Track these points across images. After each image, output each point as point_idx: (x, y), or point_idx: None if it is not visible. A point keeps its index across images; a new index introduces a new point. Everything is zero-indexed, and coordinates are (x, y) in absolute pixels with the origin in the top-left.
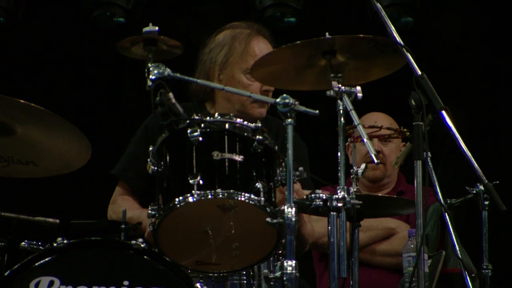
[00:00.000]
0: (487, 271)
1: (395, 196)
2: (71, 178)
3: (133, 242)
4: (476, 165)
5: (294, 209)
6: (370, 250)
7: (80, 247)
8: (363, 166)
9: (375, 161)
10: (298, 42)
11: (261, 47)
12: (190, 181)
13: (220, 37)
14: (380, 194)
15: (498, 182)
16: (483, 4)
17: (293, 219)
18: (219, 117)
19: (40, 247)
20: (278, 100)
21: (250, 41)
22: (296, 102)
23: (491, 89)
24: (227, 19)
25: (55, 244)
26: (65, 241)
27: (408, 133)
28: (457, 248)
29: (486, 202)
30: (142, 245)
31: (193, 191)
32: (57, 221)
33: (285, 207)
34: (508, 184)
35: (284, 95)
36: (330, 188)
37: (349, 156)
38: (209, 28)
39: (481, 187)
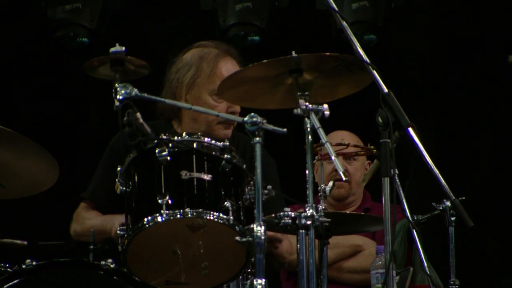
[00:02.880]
0: (454, 286)
1: (362, 213)
2: (39, 199)
3: (103, 262)
4: (443, 181)
5: (263, 227)
6: (337, 267)
7: (49, 268)
8: (330, 183)
9: (343, 178)
10: (265, 61)
11: (228, 68)
12: (159, 200)
13: (188, 56)
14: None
15: (464, 198)
16: (444, 22)
17: (262, 237)
18: (187, 136)
19: (8, 269)
20: (246, 119)
21: (217, 62)
22: (264, 121)
23: (454, 105)
24: (191, 38)
25: (24, 266)
26: (34, 263)
27: (375, 150)
28: (425, 264)
29: (453, 218)
30: (111, 266)
31: (162, 211)
32: (25, 242)
33: (254, 225)
34: (473, 200)
35: (252, 113)
36: (297, 206)
37: (315, 174)
38: (173, 47)
39: (448, 203)
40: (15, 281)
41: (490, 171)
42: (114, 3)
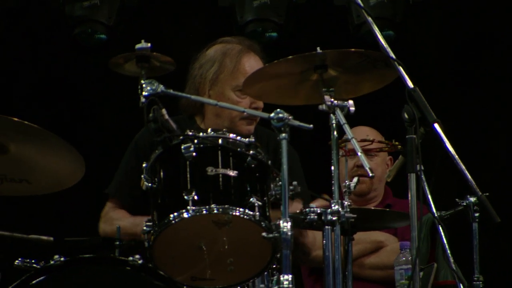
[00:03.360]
0: (478, 282)
1: (387, 209)
2: (65, 195)
3: (130, 258)
4: (469, 177)
5: (289, 223)
6: (358, 264)
7: (77, 264)
8: (355, 179)
9: (370, 174)
10: (290, 57)
11: (251, 64)
12: (185, 197)
13: (211, 52)
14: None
15: (487, 194)
16: (462, 17)
17: (289, 233)
18: (212, 132)
19: (34, 265)
20: (272, 115)
21: (240, 58)
22: (290, 117)
23: (471, 102)
24: (208, 35)
25: (51, 262)
26: (61, 259)
27: (399, 146)
28: (451, 260)
29: (476, 214)
30: (139, 262)
31: (188, 207)
32: (51, 239)
33: (281, 221)
34: (497, 196)
35: (278, 109)
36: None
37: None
38: (190, 43)
39: (471, 199)
40: (43, 277)
41: (508, 168)
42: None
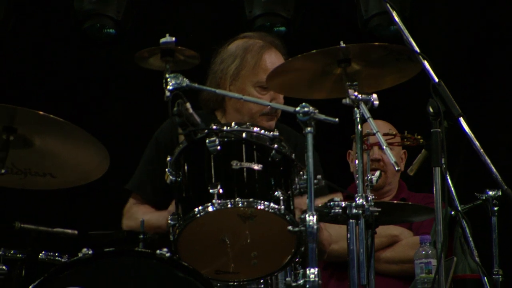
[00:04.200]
0: (497, 276)
1: (409, 203)
2: (88, 189)
3: (158, 251)
4: (494, 170)
5: (315, 216)
6: (374, 258)
7: (104, 257)
8: (377, 173)
9: (396, 168)
10: (314, 51)
11: (272, 60)
12: (210, 190)
13: (233, 47)
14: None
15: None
16: (468, 13)
17: (315, 226)
18: (236, 126)
19: (58, 259)
20: (297, 108)
21: (262, 54)
22: (316, 111)
23: (476, 98)
24: (217, 30)
25: (79, 255)
26: (89, 252)
27: (421, 140)
28: (475, 253)
29: (495, 208)
30: (166, 255)
31: (213, 201)
32: (76, 232)
33: (307, 215)
34: None
35: (304, 103)
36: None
37: (350, 164)
38: (199, 38)
39: (491, 193)
40: (73, 269)
41: None
42: None
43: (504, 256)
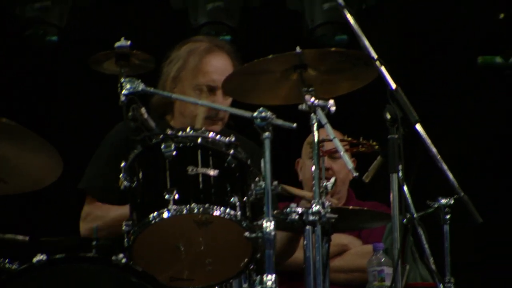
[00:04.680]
0: (449, 284)
1: (365, 208)
2: (40, 194)
3: (113, 257)
4: (451, 176)
5: (272, 222)
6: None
7: (60, 263)
8: (332, 179)
9: (354, 174)
10: (270, 56)
11: (214, 63)
12: (166, 196)
13: (180, 50)
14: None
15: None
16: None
17: (272, 233)
18: (191, 131)
19: (8, 265)
20: (255, 114)
21: (203, 57)
22: (273, 116)
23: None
24: (161, 38)
25: (34, 261)
26: (44, 258)
27: (376, 146)
28: (432, 261)
29: (448, 216)
30: (122, 261)
31: (170, 206)
32: (27, 238)
33: (264, 221)
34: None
35: (261, 108)
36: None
37: (298, 173)
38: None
39: (443, 201)
40: (26, 276)
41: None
42: (84, 1)
43: (455, 264)
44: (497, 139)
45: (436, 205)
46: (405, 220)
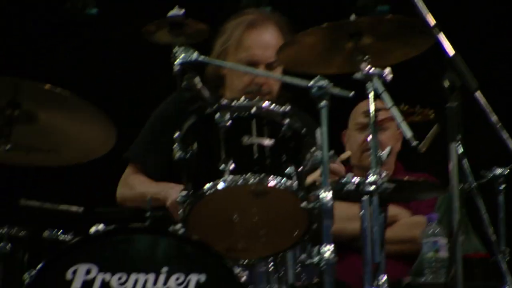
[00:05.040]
0: (505, 255)
1: (421, 180)
2: (93, 165)
3: (171, 228)
4: None
5: (330, 192)
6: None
7: (117, 234)
8: (388, 149)
9: (413, 142)
10: (324, 24)
11: (255, 38)
12: (221, 166)
13: (228, 24)
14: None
15: None
16: None
17: (330, 203)
18: (246, 101)
19: (62, 236)
20: (311, 83)
21: (244, 31)
22: (330, 84)
23: None
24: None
25: (91, 232)
26: (101, 228)
27: (432, 115)
28: (490, 231)
29: (502, 186)
30: (180, 231)
31: (225, 177)
32: (81, 209)
33: (321, 191)
34: None
35: (317, 77)
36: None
37: (345, 145)
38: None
39: (497, 171)
40: (84, 246)
41: None
42: None
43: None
44: None
45: (490, 175)
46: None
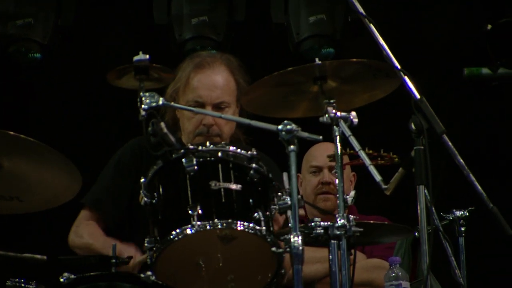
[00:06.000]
0: None
1: (386, 223)
2: (56, 211)
3: (142, 275)
4: (480, 188)
5: (300, 237)
6: (327, 282)
7: (89, 281)
8: (352, 193)
9: (383, 186)
10: (290, 68)
11: (201, 79)
12: (189, 211)
13: (179, 67)
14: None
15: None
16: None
17: (300, 248)
18: (211, 146)
19: (24, 285)
20: (280, 127)
21: (190, 73)
22: (298, 128)
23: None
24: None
25: (61, 280)
26: (72, 276)
27: (396, 159)
28: (458, 274)
29: (463, 228)
30: (151, 278)
31: (194, 222)
32: (45, 257)
33: (291, 236)
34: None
35: (286, 121)
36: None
37: (299, 187)
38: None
39: (458, 213)
40: None
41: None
42: (67, 18)
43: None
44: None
45: (451, 217)
46: (416, 234)
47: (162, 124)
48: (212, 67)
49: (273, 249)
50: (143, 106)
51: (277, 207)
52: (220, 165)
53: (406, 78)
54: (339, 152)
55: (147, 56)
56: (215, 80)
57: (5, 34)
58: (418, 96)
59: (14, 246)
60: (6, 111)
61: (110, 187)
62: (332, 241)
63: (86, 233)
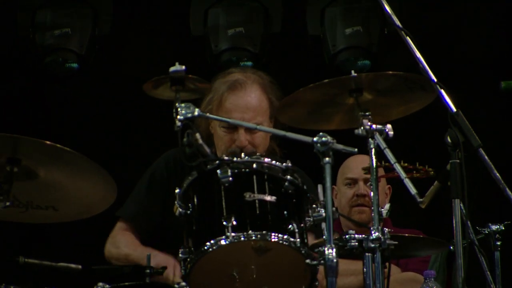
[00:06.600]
0: None
1: (421, 236)
2: (92, 221)
3: (176, 286)
4: None
5: (334, 249)
6: None
7: None
8: (387, 206)
9: (418, 200)
10: (325, 81)
11: (234, 102)
12: (224, 222)
13: (212, 84)
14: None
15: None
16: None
17: (334, 260)
18: (247, 157)
19: None
20: (315, 139)
21: (224, 93)
22: (334, 141)
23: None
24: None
25: None
26: (106, 286)
27: (432, 172)
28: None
29: (498, 243)
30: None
31: (228, 233)
32: (79, 266)
33: (325, 248)
34: None
35: (321, 133)
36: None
37: (334, 200)
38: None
39: (493, 227)
40: None
41: None
42: (104, 28)
43: None
44: None
45: (486, 231)
46: (452, 247)
47: (198, 135)
48: (245, 87)
49: (307, 261)
50: (178, 116)
51: (311, 219)
52: (255, 177)
53: (442, 91)
54: (374, 164)
55: (183, 67)
56: (247, 101)
57: (42, 44)
58: (454, 109)
59: (49, 255)
60: (42, 121)
61: (144, 201)
62: (367, 253)
63: (123, 243)
